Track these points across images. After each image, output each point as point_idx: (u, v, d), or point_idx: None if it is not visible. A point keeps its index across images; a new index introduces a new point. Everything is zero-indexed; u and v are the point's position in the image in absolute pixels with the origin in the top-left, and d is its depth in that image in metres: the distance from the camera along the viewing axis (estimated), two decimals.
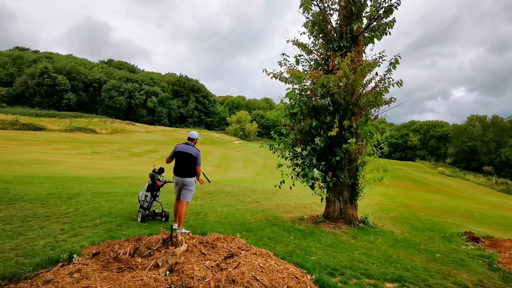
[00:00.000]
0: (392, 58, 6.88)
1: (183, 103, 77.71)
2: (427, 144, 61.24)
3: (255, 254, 3.89)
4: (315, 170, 6.31)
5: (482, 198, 30.61)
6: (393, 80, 6.81)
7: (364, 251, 5.10)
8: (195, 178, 5.56)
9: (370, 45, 7.88)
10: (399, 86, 7.07)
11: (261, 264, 3.39)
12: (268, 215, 8.01)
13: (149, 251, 3.72)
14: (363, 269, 4.18)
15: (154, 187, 6.10)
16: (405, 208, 11.99)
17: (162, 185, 6.12)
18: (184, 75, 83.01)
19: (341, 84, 6.47)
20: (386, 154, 64.91)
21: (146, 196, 6.12)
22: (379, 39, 7.81)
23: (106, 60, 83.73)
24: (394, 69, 7.01)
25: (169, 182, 6.18)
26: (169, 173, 5.93)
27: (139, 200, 6.28)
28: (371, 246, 5.49)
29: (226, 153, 44.90)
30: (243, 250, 3.96)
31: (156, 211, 6.40)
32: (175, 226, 5.32)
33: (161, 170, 6.22)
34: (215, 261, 3.47)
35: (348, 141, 6.27)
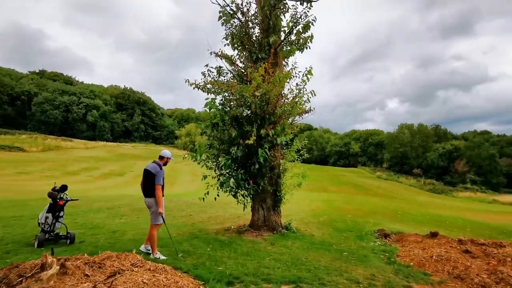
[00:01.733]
0: (305, 70, 7.34)
1: (128, 117, 73.84)
2: (366, 151, 66.28)
3: (149, 269, 3.69)
4: (231, 179, 6.33)
5: (412, 198, 33.82)
6: (306, 90, 7.23)
7: (276, 256, 5.18)
8: (155, 198, 5.15)
9: (296, 58, 8.34)
10: (313, 96, 7.53)
11: (145, 280, 3.21)
12: (195, 228, 7.79)
13: (20, 279, 3.30)
14: (266, 274, 4.22)
15: (55, 207, 5.54)
16: (337, 212, 12.62)
17: (64, 204, 5.59)
18: (128, 88, 79.31)
19: (257, 94, 6.66)
20: (331, 161, 68.55)
21: (46, 218, 5.53)
22: (301, 52, 8.30)
23: (37, 71, 76.33)
24: (308, 81, 7.47)
25: (73, 200, 5.67)
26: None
27: (39, 224, 5.64)
28: (285, 251, 5.60)
29: (174, 167, 43.39)
30: (136, 266, 3.74)
31: (60, 233, 5.81)
32: (143, 248, 5.07)
33: (63, 188, 5.69)
34: (95, 282, 3.20)
35: (259, 149, 6.43)
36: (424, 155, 53.21)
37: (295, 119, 8.02)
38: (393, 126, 59.74)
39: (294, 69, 7.57)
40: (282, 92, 7.70)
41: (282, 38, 7.94)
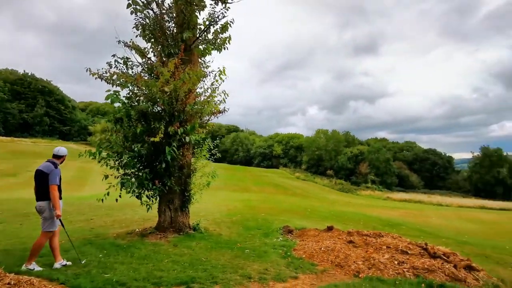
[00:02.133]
0: (218, 70, 7.36)
1: (27, 107, 63.14)
2: (288, 153, 70.53)
3: (8, 284, 3.14)
4: (133, 179, 5.93)
5: (324, 196, 37.22)
6: (218, 89, 7.25)
7: (175, 258, 5.02)
8: (48, 201, 4.40)
9: (213, 58, 8.27)
10: (226, 96, 7.61)
11: None
12: (93, 233, 7.04)
13: None
14: (158, 278, 4.04)
15: None
16: (252, 211, 13.00)
17: None
18: (30, 74, 67.89)
19: (166, 89, 6.38)
20: (256, 162, 70.81)
21: None
22: (219, 52, 8.27)
23: None
24: (222, 80, 7.51)
25: None
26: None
27: None
28: (187, 252, 5.48)
29: (85, 167, 38.67)
30: None
31: None
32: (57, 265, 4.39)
33: None
34: None
35: (166, 148, 6.20)
36: (336, 158, 59.32)
37: (209, 118, 7.99)
38: (312, 131, 65.31)
39: (207, 67, 7.51)
40: (196, 90, 7.59)
41: (197, 35, 7.81)
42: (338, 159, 58.46)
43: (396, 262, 4.85)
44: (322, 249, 5.53)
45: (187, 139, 6.51)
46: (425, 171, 63.02)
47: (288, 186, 41.63)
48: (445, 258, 4.88)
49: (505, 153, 56.44)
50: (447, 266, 4.60)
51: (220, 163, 68.65)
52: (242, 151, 75.90)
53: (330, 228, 7.78)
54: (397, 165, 60.43)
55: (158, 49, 7.97)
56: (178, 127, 6.37)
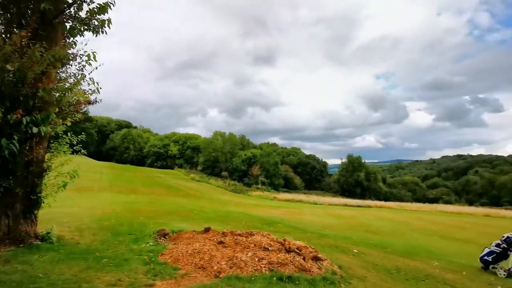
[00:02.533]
0: (85, 54, 6.43)
1: None
2: (184, 153, 68.76)
3: None
4: None
5: (216, 197, 37.72)
6: (85, 77, 6.33)
7: (1, 278, 4.01)
8: None
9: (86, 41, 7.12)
10: (97, 88, 6.72)
11: None
12: None
13: None
14: None
15: None
16: (131, 214, 11.93)
17: None
18: None
19: (9, 67, 5.13)
20: (149, 162, 66.27)
21: None
22: (95, 35, 7.19)
23: None
24: (90, 65, 6.60)
25: None
26: None
27: None
28: (21, 268, 4.48)
29: None
30: None
31: None
32: None
33: None
34: None
35: (3, 140, 5.00)
36: (231, 160, 61.21)
37: (77, 109, 6.89)
38: (211, 133, 65.50)
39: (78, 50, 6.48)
40: (57, 74, 6.43)
41: (63, 9, 6.64)
42: (233, 161, 60.49)
43: (256, 259, 5.16)
44: (189, 252, 5.43)
45: (35, 130, 5.37)
46: (306, 174, 71.74)
47: (181, 187, 40.42)
48: (298, 251, 5.49)
49: (364, 161, 69.86)
50: (297, 259, 5.17)
51: (107, 162, 61.25)
52: (133, 149, 69.81)
53: (207, 230, 7.78)
54: (284, 168, 66.79)
55: (7, 16, 6.43)
56: (22, 115, 5.19)
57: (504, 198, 62.63)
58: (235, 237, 6.83)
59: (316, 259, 5.44)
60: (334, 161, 77.70)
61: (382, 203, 44.29)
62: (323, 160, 75.95)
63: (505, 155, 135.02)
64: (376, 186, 67.15)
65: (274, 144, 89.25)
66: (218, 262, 5.00)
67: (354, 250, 7.70)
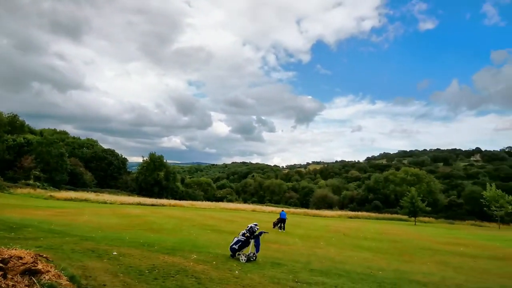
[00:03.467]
0: None
1: None
2: None
3: None
4: None
5: None
6: None
7: None
8: None
9: None
10: None
11: None
12: None
13: None
14: None
15: None
16: None
17: None
18: None
19: None
20: None
21: None
22: None
23: None
24: None
25: None
26: None
27: None
28: None
29: None
30: None
31: None
32: None
33: None
34: None
35: None
36: None
37: None
38: None
39: None
40: None
41: None
42: None
43: None
44: None
45: None
46: (100, 170, 63.77)
47: None
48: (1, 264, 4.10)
49: (165, 160, 70.50)
50: None
51: None
52: None
53: None
54: (73, 162, 56.32)
55: None
56: None
57: (267, 197, 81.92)
58: None
59: (31, 272, 4.25)
60: (138, 159, 73.53)
61: (177, 201, 46.14)
62: (123, 156, 70.49)
63: (272, 164, 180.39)
64: (174, 185, 69.38)
65: (63, 132, 73.94)
66: None
67: (114, 253, 6.98)
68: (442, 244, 17.05)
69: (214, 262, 7.51)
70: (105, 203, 37.58)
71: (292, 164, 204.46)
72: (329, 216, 48.22)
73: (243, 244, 8.43)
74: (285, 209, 54.01)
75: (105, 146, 72.58)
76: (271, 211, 45.08)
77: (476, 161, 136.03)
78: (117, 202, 39.11)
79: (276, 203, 71.21)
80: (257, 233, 8.60)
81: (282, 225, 19.11)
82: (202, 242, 10.96)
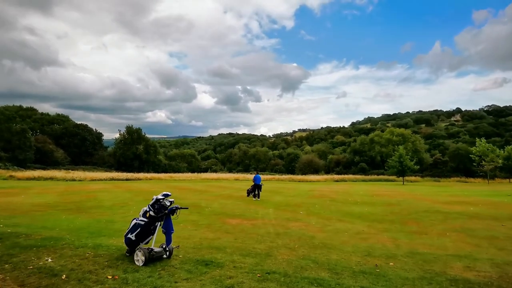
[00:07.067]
0: None
1: None
2: None
3: None
4: None
5: None
6: None
7: None
8: None
9: None
10: None
11: None
12: None
13: None
14: None
15: None
16: None
17: None
18: None
19: None
20: None
21: None
22: None
23: None
24: None
25: None
26: None
27: None
28: None
29: None
30: None
31: None
32: None
33: None
34: None
35: None
36: None
37: None
38: None
39: None
40: None
41: None
42: None
43: None
44: None
45: None
46: (73, 146, 59.78)
47: None
48: None
49: (144, 133, 66.55)
50: None
51: None
52: None
53: None
54: (40, 139, 52.13)
55: None
56: None
57: (252, 165, 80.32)
58: None
59: None
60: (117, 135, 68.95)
61: (154, 175, 43.51)
62: (98, 131, 66.20)
63: (259, 134, 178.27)
64: (155, 159, 66.35)
65: (30, 109, 68.27)
66: None
67: None
68: (445, 204, 14.23)
69: (87, 267, 4.67)
70: (74, 180, 34.65)
71: (279, 133, 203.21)
72: (315, 180, 46.91)
73: (144, 230, 4.88)
74: (270, 176, 52.42)
75: (90, 125, 67.11)
76: None
77: (457, 121, 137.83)
78: (88, 178, 36.18)
79: (262, 171, 69.68)
80: (168, 209, 5.04)
81: (258, 192, 16.10)
82: (118, 226, 7.94)
